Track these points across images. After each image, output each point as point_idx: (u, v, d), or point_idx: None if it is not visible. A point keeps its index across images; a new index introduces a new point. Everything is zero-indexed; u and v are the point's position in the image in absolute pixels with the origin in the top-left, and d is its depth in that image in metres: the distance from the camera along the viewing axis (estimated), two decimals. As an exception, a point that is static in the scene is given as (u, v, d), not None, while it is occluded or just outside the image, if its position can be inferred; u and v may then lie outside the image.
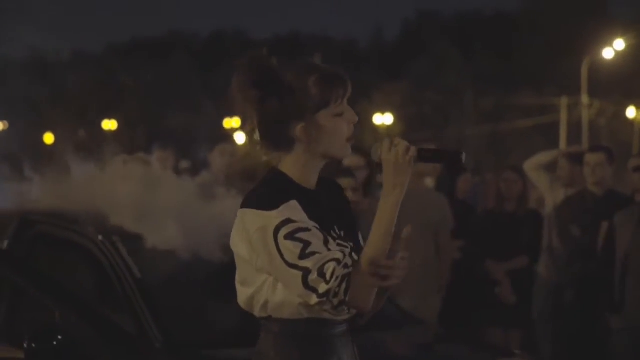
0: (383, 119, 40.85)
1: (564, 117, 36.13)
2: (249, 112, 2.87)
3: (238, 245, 2.84)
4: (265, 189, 2.84)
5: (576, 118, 35.18)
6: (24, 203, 5.25)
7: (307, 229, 2.74)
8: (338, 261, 2.72)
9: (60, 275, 4.81)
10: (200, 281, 4.75)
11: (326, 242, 2.76)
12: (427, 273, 6.90)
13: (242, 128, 2.96)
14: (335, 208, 2.95)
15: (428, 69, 46.16)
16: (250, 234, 2.78)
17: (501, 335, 7.14)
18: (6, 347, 4.46)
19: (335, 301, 2.72)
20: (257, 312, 2.87)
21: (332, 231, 2.85)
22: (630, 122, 37.45)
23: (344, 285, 2.70)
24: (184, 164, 10.63)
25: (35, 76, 49.97)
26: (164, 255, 4.56)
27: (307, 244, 2.72)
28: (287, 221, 2.74)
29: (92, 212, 4.74)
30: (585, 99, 33.54)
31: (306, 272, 2.71)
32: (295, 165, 2.88)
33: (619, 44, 30.25)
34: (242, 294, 2.88)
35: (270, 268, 2.78)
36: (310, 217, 2.78)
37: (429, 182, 8.36)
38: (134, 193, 4.77)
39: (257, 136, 2.89)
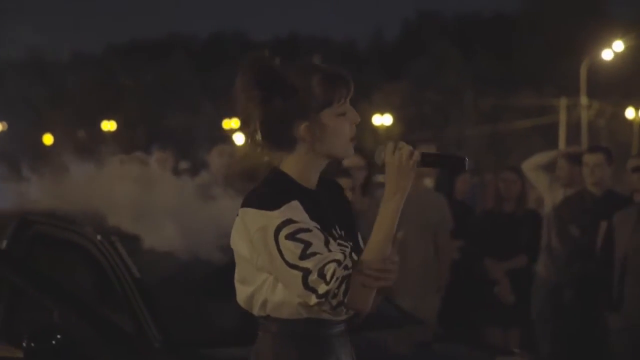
0: (382, 119, 40.87)
1: (563, 117, 36.15)
2: (252, 113, 2.87)
3: (238, 244, 2.85)
4: (266, 189, 2.84)
5: (575, 119, 35.19)
6: (23, 203, 5.25)
7: (308, 230, 2.75)
8: (339, 262, 2.72)
9: (59, 275, 4.81)
10: (198, 281, 4.76)
11: (327, 243, 2.76)
12: (426, 273, 6.92)
13: (242, 129, 2.97)
14: (335, 208, 2.96)
15: (428, 70, 46.17)
16: (251, 234, 2.78)
17: (500, 335, 7.15)
18: (5, 346, 4.46)
19: (334, 302, 2.73)
20: (255, 311, 2.87)
21: (333, 230, 2.86)
22: (629, 123, 37.49)
23: (343, 287, 2.71)
24: (184, 165, 10.63)
25: (35, 77, 50.00)
26: (163, 255, 4.56)
27: (307, 244, 2.73)
28: (289, 221, 2.74)
29: (90, 212, 4.75)
30: (584, 99, 33.56)
31: (306, 272, 2.71)
32: (297, 165, 2.88)
33: (618, 45, 30.27)
34: (242, 292, 2.89)
35: (270, 268, 2.79)
36: (312, 217, 2.79)
37: (428, 182, 8.36)
38: (131, 193, 4.77)
39: (258, 137, 2.89)
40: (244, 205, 2.83)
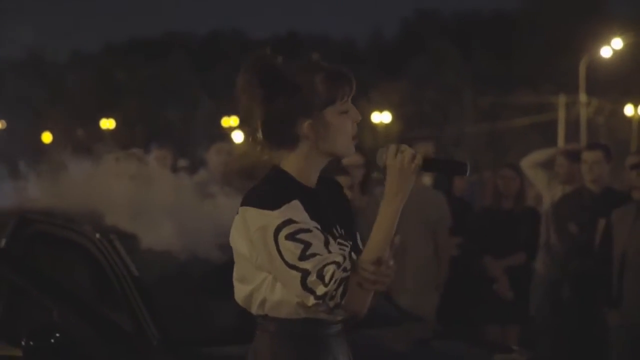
0: (381, 117, 40.86)
1: (562, 115, 36.14)
2: (254, 111, 2.87)
3: (238, 242, 2.85)
4: (267, 188, 2.84)
5: (574, 116, 35.19)
6: (22, 202, 5.25)
7: (308, 230, 2.75)
8: (338, 264, 2.72)
9: (58, 273, 4.82)
10: (197, 279, 4.76)
11: (327, 244, 2.77)
12: (425, 270, 6.92)
13: (242, 127, 2.97)
14: (335, 206, 2.96)
15: (427, 68, 46.17)
16: (251, 233, 2.78)
17: (499, 332, 7.15)
18: (4, 345, 4.46)
19: (332, 304, 2.73)
20: (254, 309, 2.87)
21: (334, 229, 2.86)
22: (628, 120, 37.48)
23: (341, 289, 2.71)
24: (182, 163, 10.62)
25: (34, 76, 49.94)
26: (161, 253, 4.55)
27: (307, 245, 2.73)
28: (289, 222, 2.74)
29: (88, 210, 4.75)
30: (583, 97, 33.55)
31: (305, 273, 2.71)
32: (297, 163, 2.88)
33: (617, 43, 30.27)
34: (240, 291, 2.89)
35: (269, 267, 2.79)
36: (312, 217, 2.79)
37: (427, 179, 8.36)
38: (130, 191, 4.77)
39: (259, 135, 2.89)
40: (244, 203, 2.82)
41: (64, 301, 4.51)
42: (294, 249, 2.73)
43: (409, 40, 51.76)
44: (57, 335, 4.19)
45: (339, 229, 2.89)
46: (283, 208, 2.76)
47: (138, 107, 48.89)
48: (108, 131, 44.53)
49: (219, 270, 4.06)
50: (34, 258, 4.89)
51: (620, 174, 7.70)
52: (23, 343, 4.21)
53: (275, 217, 2.75)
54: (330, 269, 2.71)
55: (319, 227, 2.78)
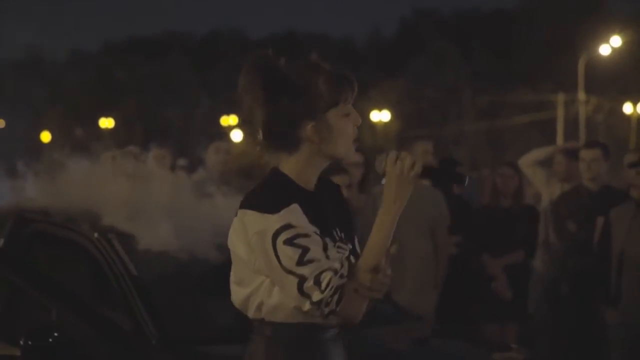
0: (380, 116, 40.85)
1: (560, 113, 36.13)
2: (255, 113, 2.86)
3: (236, 245, 2.84)
4: (266, 191, 2.83)
5: (573, 114, 35.18)
6: (20, 201, 5.25)
7: (306, 235, 2.74)
8: (335, 271, 2.73)
9: (57, 272, 4.81)
10: (195, 278, 4.75)
11: (325, 248, 2.76)
12: (423, 269, 6.92)
13: (242, 128, 2.96)
14: (335, 208, 2.96)
15: (426, 67, 46.16)
16: (250, 236, 2.78)
17: (497, 330, 7.15)
18: (3, 344, 4.46)
19: (327, 310, 2.74)
20: (251, 313, 2.87)
21: (333, 232, 2.86)
22: (627, 118, 37.49)
23: (336, 297, 2.72)
24: (181, 162, 10.61)
25: (33, 75, 49.94)
26: (159, 253, 4.55)
27: (305, 250, 2.72)
28: (287, 226, 2.74)
29: (87, 209, 4.74)
30: (582, 95, 33.55)
31: (302, 279, 2.72)
32: (297, 165, 2.87)
33: (616, 41, 30.28)
34: (238, 293, 2.88)
35: (267, 271, 2.78)
36: (311, 220, 2.78)
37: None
38: (128, 190, 4.77)
39: (260, 136, 2.88)
40: (243, 206, 2.81)
41: (62, 300, 4.51)
42: (292, 254, 2.72)
43: (408, 38, 51.74)
44: (56, 334, 4.19)
45: (338, 232, 2.88)
46: (282, 212, 2.75)
47: (137, 106, 48.88)
48: (107, 130, 44.54)
49: (217, 270, 4.05)
50: (32, 257, 4.89)
51: (618, 172, 7.71)
52: (21, 342, 4.21)
53: (274, 221, 2.74)
54: (327, 276, 2.71)
55: (317, 231, 2.78)
